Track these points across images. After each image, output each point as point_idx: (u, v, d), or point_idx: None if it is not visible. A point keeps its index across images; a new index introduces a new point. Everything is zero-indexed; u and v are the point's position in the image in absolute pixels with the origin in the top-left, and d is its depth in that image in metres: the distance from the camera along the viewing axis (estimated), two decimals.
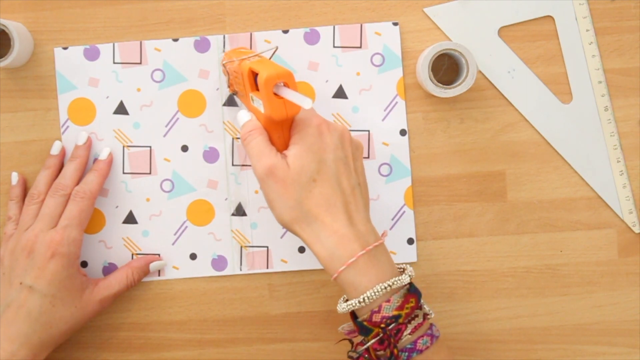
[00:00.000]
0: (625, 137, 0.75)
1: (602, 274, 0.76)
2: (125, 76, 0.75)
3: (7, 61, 0.71)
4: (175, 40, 0.75)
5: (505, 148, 0.75)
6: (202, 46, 0.75)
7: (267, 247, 0.75)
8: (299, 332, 0.76)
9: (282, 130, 0.64)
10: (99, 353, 0.76)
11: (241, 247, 0.75)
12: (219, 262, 0.75)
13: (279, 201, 0.62)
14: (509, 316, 0.76)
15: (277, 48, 0.69)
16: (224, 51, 0.74)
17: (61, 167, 0.74)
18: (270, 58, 0.68)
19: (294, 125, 0.64)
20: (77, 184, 0.72)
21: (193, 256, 0.75)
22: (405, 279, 0.61)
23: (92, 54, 0.75)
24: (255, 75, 0.64)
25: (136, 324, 0.76)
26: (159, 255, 0.75)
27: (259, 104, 0.63)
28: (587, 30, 0.75)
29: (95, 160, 0.74)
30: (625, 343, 0.76)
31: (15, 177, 0.74)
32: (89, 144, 0.74)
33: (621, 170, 0.75)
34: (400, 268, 0.63)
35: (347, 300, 0.62)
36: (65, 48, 0.75)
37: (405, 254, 0.75)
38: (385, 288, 0.59)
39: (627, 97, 0.75)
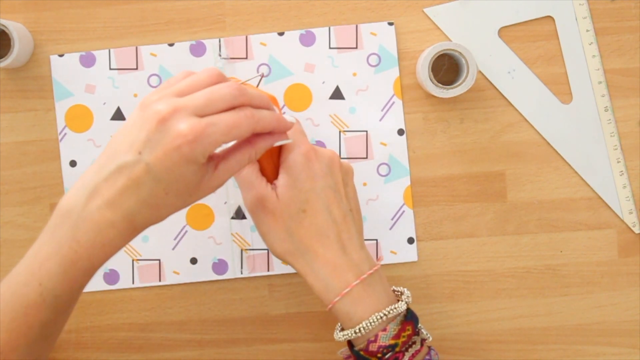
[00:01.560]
0: (625, 138, 0.75)
1: (602, 275, 0.76)
2: (121, 82, 0.75)
3: (7, 61, 0.71)
4: (171, 45, 0.75)
5: (506, 148, 0.75)
6: (197, 50, 0.75)
7: (268, 249, 0.75)
8: (299, 333, 0.76)
9: (271, 159, 0.63)
10: (99, 353, 0.76)
11: (241, 250, 0.75)
12: (219, 266, 0.75)
13: (270, 233, 0.61)
14: (509, 316, 0.76)
15: (262, 75, 0.69)
16: (220, 55, 0.74)
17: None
18: (257, 86, 0.67)
19: (282, 153, 0.62)
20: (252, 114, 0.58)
21: (193, 260, 0.75)
22: (401, 307, 0.60)
23: (88, 61, 0.75)
24: None
25: (136, 324, 0.76)
26: (158, 261, 0.75)
27: None
28: (587, 31, 0.75)
29: (283, 112, 0.67)
30: (625, 343, 0.76)
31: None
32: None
33: (621, 171, 0.75)
34: (398, 291, 0.63)
35: (343, 329, 0.61)
36: (61, 55, 0.75)
37: (405, 254, 0.75)
38: (381, 317, 0.59)
39: (627, 97, 0.75)
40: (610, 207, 0.75)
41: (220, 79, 0.58)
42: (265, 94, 0.61)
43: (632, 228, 0.75)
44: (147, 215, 0.56)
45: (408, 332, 0.59)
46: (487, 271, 0.76)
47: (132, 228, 0.55)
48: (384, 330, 0.59)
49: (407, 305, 0.61)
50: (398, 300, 0.62)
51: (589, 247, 0.75)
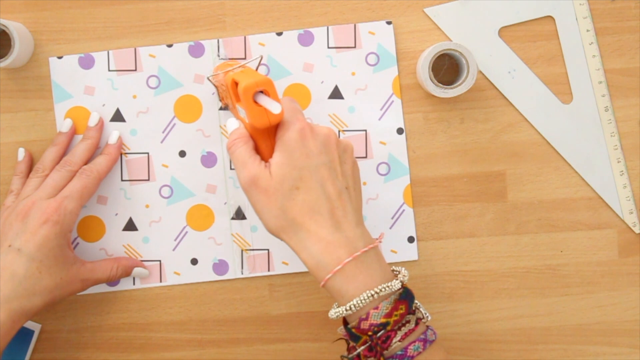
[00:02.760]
0: (625, 138, 0.75)
1: (602, 274, 0.76)
2: (120, 83, 0.75)
3: (8, 61, 0.71)
4: (170, 46, 0.75)
5: (506, 148, 0.75)
6: (196, 51, 0.75)
7: (268, 249, 0.75)
8: (300, 332, 0.76)
9: (268, 138, 0.63)
10: (99, 353, 0.76)
11: (242, 250, 0.75)
12: (220, 267, 0.75)
13: (264, 211, 0.61)
14: (509, 316, 0.76)
15: (261, 57, 0.69)
16: (218, 55, 0.74)
17: (68, 145, 0.74)
18: (256, 68, 0.68)
19: (278, 132, 0.62)
20: (86, 164, 0.72)
21: (194, 261, 0.75)
22: (395, 285, 0.59)
23: (87, 63, 0.75)
24: (237, 85, 0.63)
25: (136, 324, 0.76)
26: (159, 262, 0.75)
27: (243, 114, 0.63)
28: (588, 31, 0.75)
29: (106, 145, 0.74)
30: (625, 343, 0.76)
31: (21, 153, 0.74)
32: (100, 125, 0.74)
33: (621, 171, 0.75)
34: (396, 271, 0.62)
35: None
36: (60, 57, 0.75)
37: (406, 253, 0.75)
38: (372, 295, 0.58)
39: (628, 97, 0.75)
40: (610, 207, 0.75)
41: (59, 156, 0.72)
42: (261, 76, 0.61)
43: (633, 228, 0.75)
44: (23, 301, 0.64)
45: (401, 311, 0.59)
46: (487, 271, 0.76)
47: (10, 320, 0.64)
48: (376, 308, 0.58)
49: (403, 284, 0.60)
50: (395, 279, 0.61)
51: (589, 247, 0.75)
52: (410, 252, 0.75)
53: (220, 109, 0.75)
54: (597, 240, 0.75)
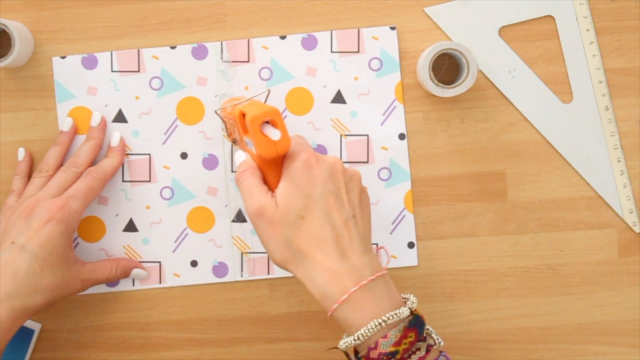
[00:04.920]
0: (625, 137, 0.75)
1: (602, 274, 0.76)
2: (123, 84, 0.75)
3: (8, 61, 0.71)
4: (173, 47, 0.75)
5: (506, 148, 0.75)
6: (199, 53, 0.75)
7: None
8: (300, 332, 0.76)
9: (276, 169, 0.62)
10: (99, 353, 0.76)
11: (242, 253, 0.75)
12: (219, 269, 0.75)
13: (269, 242, 0.60)
14: (509, 316, 0.76)
15: (269, 91, 0.70)
16: (221, 58, 0.74)
17: (70, 144, 0.74)
18: (265, 101, 0.68)
19: (284, 162, 0.62)
20: (90, 165, 0.72)
21: (194, 263, 0.75)
22: (404, 312, 0.58)
23: (90, 63, 0.75)
24: (245, 117, 0.64)
25: (136, 324, 0.76)
26: (159, 263, 0.75)
27: (251, 146, 0.63)
28: (588, 30, 0.75)
29: (111, 147, 0.74)
30: (625, 343, 0.76)
31: (22, 153, 0.74)
32: (103, 124, 0.74)
33: (622, 170, 0.75)
34: (405, 298, 0.61)
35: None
36: (63, 57, 0.75)
37: (405, 258, 0.75)
38: (380, 324, 0.57)
39: (628, 96, 0.75)
40: (610, 207, 0.75)
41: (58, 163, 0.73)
42: (270, 107, 0.61)
43: (633, 227, 0.75)
44: (25, 298, 0.64)
45: (410, 339, 0.57)
46: (487, 270, 0.76)
47: (12, 317, 0.63)
48: (385, 337, 0.57)
49: (412, 311, 0.59)
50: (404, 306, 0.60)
51: (589, 246, 0.75)
52: (410, 258, 0.75)
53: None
54: (597, 240, 0.75)
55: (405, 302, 0.60)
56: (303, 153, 0.61)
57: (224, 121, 0.73)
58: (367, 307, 0.58)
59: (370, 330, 0.57)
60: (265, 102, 0.69)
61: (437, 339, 0.60)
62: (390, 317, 0.57)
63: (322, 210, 0.60)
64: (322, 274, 0.59)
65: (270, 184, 0.63)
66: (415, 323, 0.58)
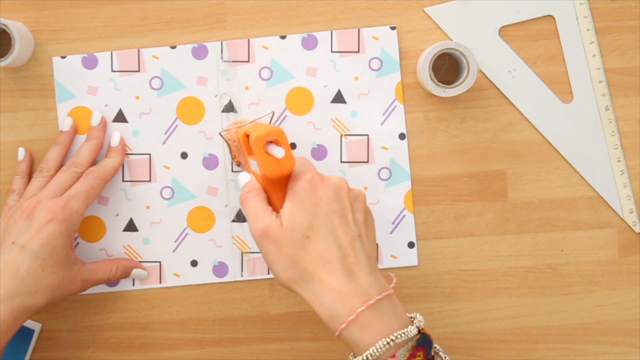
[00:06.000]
0: (625, 137, 0.75)
1: (602, 274, 0.76)
2: (123, 84, 0.75)
3: (8, 61, 0.71)
4: (173, 47, 0.75)
5: (506, 148, 0.75)
6: (199, 53, 0.75)
7: None
8: (300, 332, 0.76)
9: (280, 190, 0.62)
10: (99, 353, 0.76)
11: (242, 253, 0.75)
12: (220, 269, 0.75)
13: (275, 262, 0.60)
14: (509, 316, 0.76)
15: (273, 113, 0.70)
16: (222, 58, 0.74)
17: (70, 144, 0.74)
18: (270, 122, 0.69)
19: (289, 183, 0.62)
20: (91, 165, 0.72)
21: (194, 263, 0.75)
22: (411, 332, 0.58)
23: (90, 63, 0.75)
24: (249, 137, 0.64)
25: (136, 324, 0.76)
26: (159, 263, 0.75)
27: (255, 167, 0.63)
28: (588, 30, 0.75)
29: (111, 148, 0.74)
30: (626, 342, 0.76)
31: (22, 153, 0.74)
32: (103, 124, 0.74)
33: (622, 170, 0.75)
34: (411, 317, 0.60)
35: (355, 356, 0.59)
36: (63, 57, 0.75)
37: (405, 258, 0.75)
38: (388, 343, 0.56)
39: (628, 96, 0.75)
40: (610, 207, 0.75)
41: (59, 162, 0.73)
42: (272, 127, 0.61)
43: (633, 227, 0.75)
44: (25, 298, 0.64)
45: (419, 358, 0.57)
46: (487, 270, 0.76)
47: (13, 317, 0.63)
48: (393, 357, 0.56)
49: (420, 330, 0.59)
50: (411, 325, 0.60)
51: (589, 246, 0.75)
52: (410, 258, 0.75)
53: (223, 111, 0.74)
54: (598, 240, 0.75)
55: (412, 320, 0.60)
56: (307, 173, 0.61)
57: (228, 144, 0.74)
58: (375, 327, 0.57)
59: (379, 350, 0.57)
60: (270, 122, 0.69)
61: (445, 357, 0.60)
62: (399, 337, 0.57)
63: (327, 230, 0.59)
64: (329, 294, 0.58)
65: (274, 205, 0.63)
66: (423, 342, 0.58)
